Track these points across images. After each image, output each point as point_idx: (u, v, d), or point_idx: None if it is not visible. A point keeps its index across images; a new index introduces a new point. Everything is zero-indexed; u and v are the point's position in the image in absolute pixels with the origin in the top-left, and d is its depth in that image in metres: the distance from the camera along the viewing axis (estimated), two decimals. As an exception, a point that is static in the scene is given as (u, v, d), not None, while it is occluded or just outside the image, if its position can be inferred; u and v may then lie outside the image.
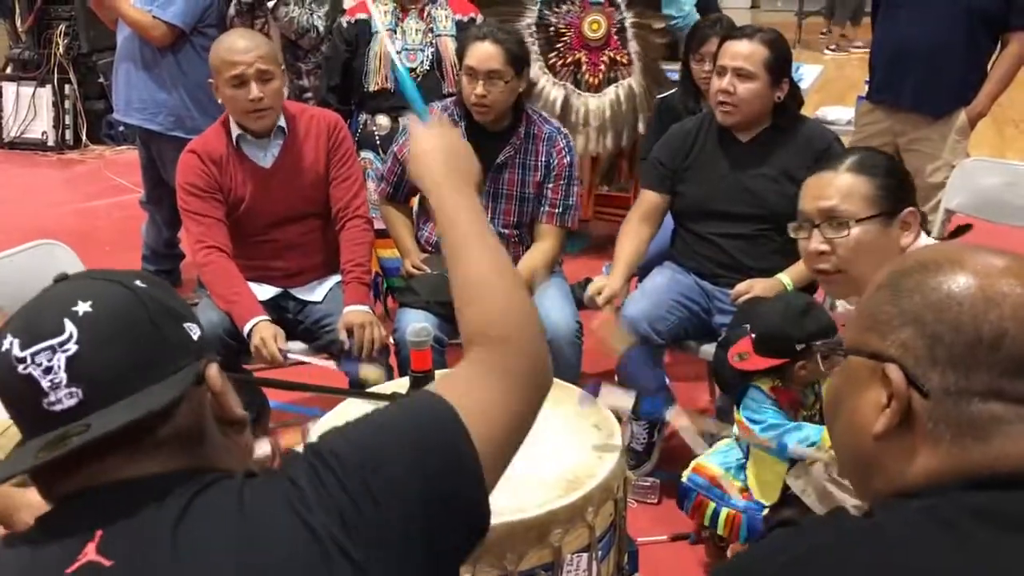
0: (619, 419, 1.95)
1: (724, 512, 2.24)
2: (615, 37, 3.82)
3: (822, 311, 2.23)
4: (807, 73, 4.76)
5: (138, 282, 0.95)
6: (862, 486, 0.92)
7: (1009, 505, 0.77)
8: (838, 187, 1.80)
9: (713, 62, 2.68)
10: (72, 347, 0.89)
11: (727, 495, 2.25)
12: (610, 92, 3.88)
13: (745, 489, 2.24)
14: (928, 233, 1.89)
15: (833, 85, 6.90)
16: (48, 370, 0.88)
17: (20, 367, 0.89)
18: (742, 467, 2.26)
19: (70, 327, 0.89)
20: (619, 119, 3.93)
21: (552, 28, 3.82)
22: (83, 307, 0.90)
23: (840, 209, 1.78)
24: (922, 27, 3.22)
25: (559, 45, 3.83)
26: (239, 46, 2.51)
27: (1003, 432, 0.80)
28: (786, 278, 2.55)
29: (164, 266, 4.11)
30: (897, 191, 1.80)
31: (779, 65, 2.58)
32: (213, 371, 0.96)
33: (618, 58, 3.84)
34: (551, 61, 3.85)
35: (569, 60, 3.84)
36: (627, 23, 3.80)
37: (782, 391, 2.22)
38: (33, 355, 0.89)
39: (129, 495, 0.89)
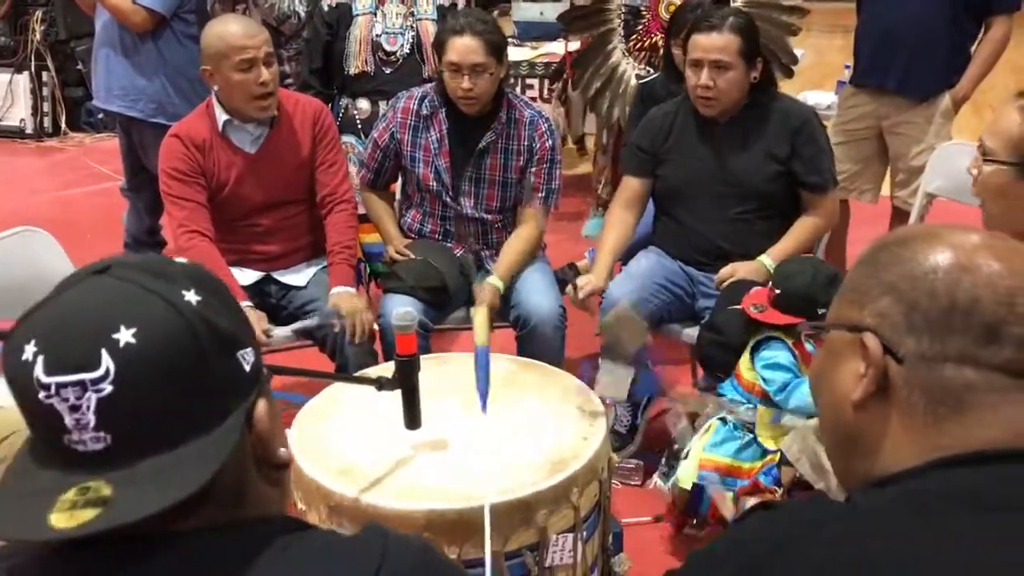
0: (603, 401, 1.97)
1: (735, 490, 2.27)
2: None
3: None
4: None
5: (191, 296, 0.80)
6: (845, 466, 0.93)
7: (978, 484, 0.79)
8: (993, 124, 1.74)
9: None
10: (107, 387, 0.75)
11: (740, 480, 2.28)
12: None
13: (753, 468, 2.27)
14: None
15: (813, 70, 6.90)
16: (75, 408, 0.75)
17: (42, 393, 0.76)
18: (746, 445, 2.28)
19: (107, 361, 0.75)
20: None
21: (635, 10, 3.78)
22: (125, 335, 0.76)
23: (986, 145, 1.74)
24: (908, 11, 3.24)
25: (638, 28, 3.78)
26: (243, 30, 2.51)
27: (976, 402, 0.81)
28: (767, 259, 2.57)
29: (145, 254, 4.09)
30: None
31: (752, 48, 2.58)
32: (261, 410, 0.84)
33: None
34: (631, 43, 3.81)
35: (646, 43, 3.78)
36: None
37: (802, 346, 2.27)
38: (59, 386, 0.75)
39: (154, 554, 0.78)
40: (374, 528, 0.87)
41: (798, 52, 5.04)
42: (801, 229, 2.66)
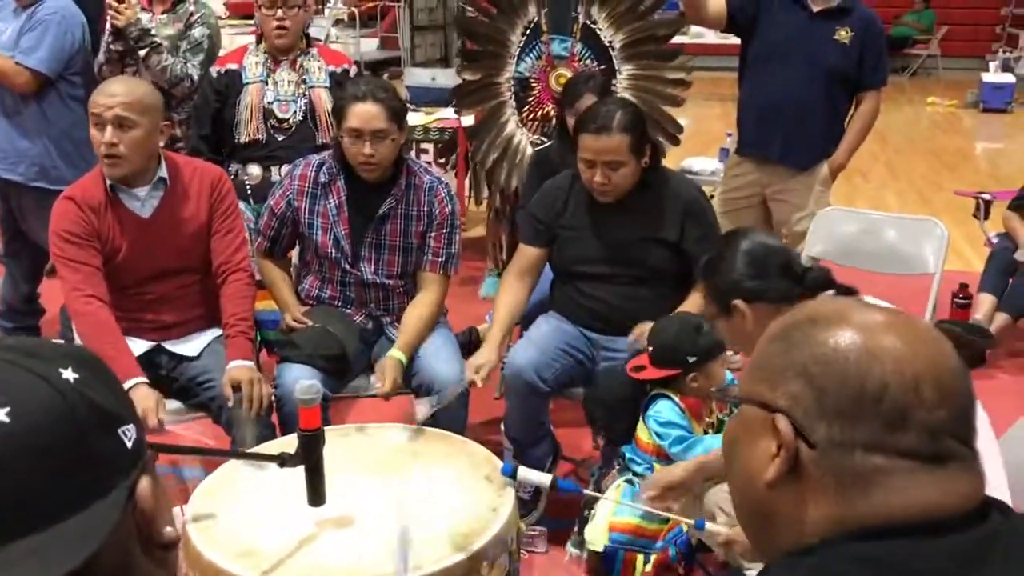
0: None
1: (653, 558, 2.28)
2: None
3: (714, 330, 2.32)
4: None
5: (67, 373, 0.78)
6: (760, 538, 0.94)
7: (890, 554, 0.80)
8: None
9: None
10: None
11: (652, 541, 2.29)
12: None
13: (661, 530, 2.29)
14: None
15: (695, 138, 7.19)
16: None
17: None
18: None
19: None
20: None
21: (524, 82, 3.86)
22: None
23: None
24: (787, 87, 3.43)
25: (529, 99, 3.86)
26: (110, 89, 2.46)
27: (884, 483, 0.83)
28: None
29: (23, 323, 3.89)
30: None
31: (641, 141, 2.63)
32: (144, 488, 0.81)
33: None
34: (524, 114, 3.88)
35: (539, 113, 3.87)
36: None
37: (689, 400, 2.31)
38: None
39: None
40: None
41: (681, 121, 5.24)
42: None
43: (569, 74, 3.83)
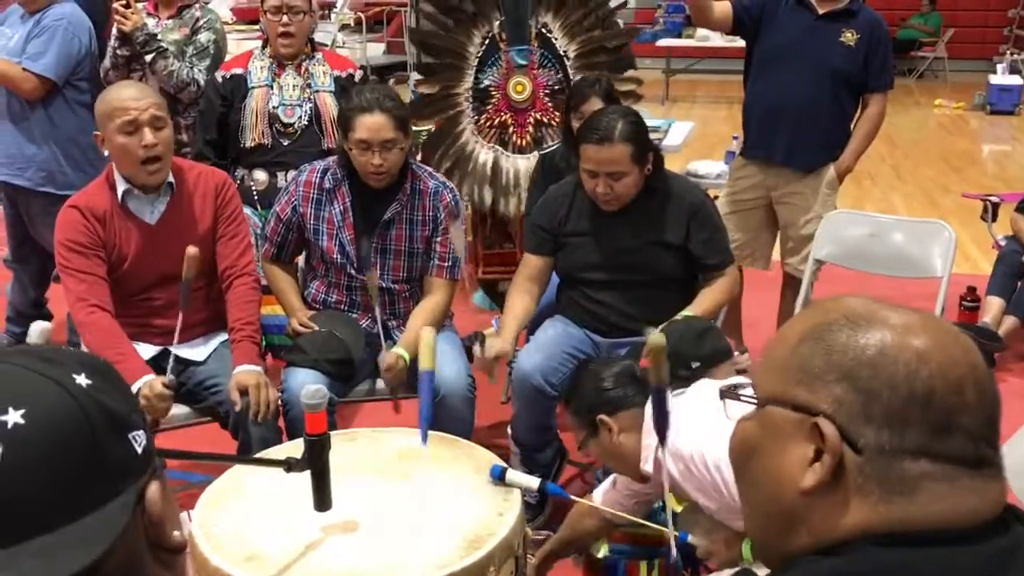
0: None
1: (657, 564, 2.27)
2: (543, 99, 3.85)
3: (720, 335, 2.32)
4: (678, 129, 4.95)
5: (81, 379, 0.79)
6: (773, 544, 0.90)
7: (916, 563, 0.79)
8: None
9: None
10: None
11: (655, 548, 2.28)
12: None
13: (662, 533, 2.28)
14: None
15: (701, 141, 7.18)
16: None
17: None
18: (659, 510, 2.30)
19: None
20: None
21: (482, 90, 3.87)
22: (13, 417, 0.75)
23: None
24: (792, 89, 3.42)
25: (487, 107, 3.88)
26: (131, 93, 2.46)
27: (928, 489, 0.82)
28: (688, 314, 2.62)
29: (31, 328, 3.91)
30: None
31: (643, 149, 2.62)
32: (153, 492, 0.82)
33: (545, 120, 3.85)
34: (482, 122, 3.89)
35: (496, 122, 3.88)
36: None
37: None
38: None
39: None
40: None
41: (687, 124, 5.23)
42: (718, 291, 2.72)
43: (527, 82, 3.83)
